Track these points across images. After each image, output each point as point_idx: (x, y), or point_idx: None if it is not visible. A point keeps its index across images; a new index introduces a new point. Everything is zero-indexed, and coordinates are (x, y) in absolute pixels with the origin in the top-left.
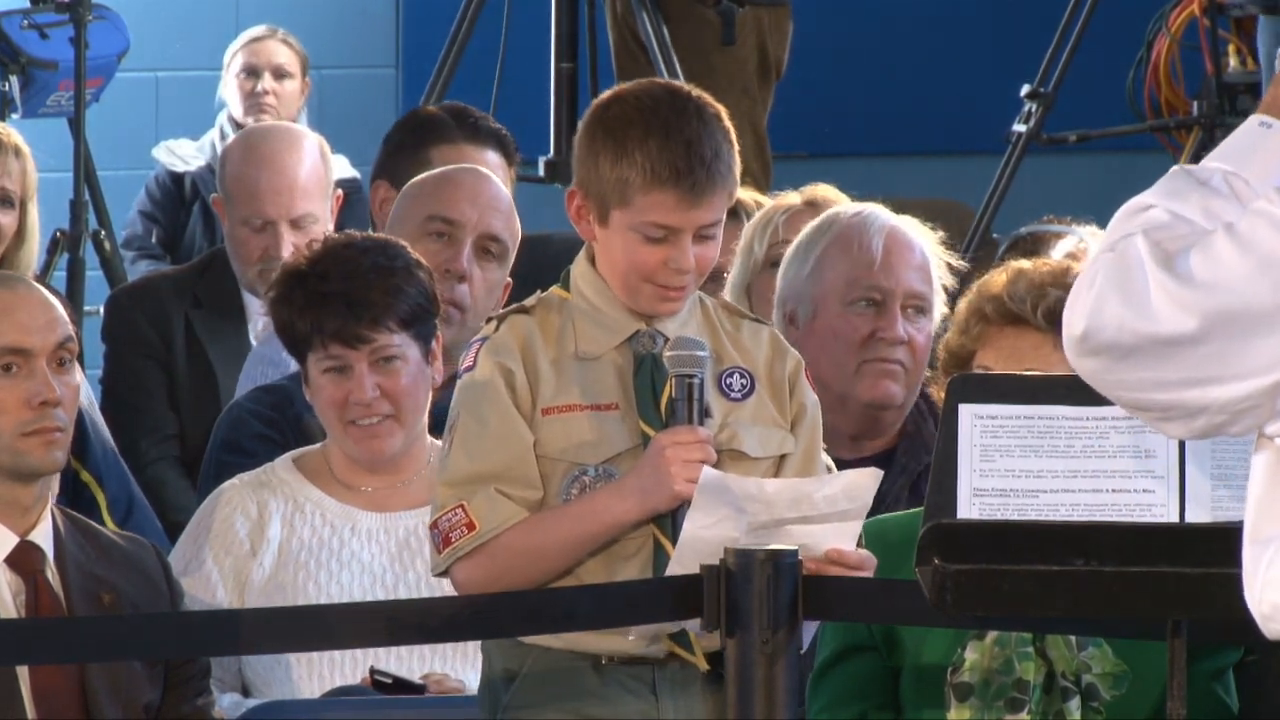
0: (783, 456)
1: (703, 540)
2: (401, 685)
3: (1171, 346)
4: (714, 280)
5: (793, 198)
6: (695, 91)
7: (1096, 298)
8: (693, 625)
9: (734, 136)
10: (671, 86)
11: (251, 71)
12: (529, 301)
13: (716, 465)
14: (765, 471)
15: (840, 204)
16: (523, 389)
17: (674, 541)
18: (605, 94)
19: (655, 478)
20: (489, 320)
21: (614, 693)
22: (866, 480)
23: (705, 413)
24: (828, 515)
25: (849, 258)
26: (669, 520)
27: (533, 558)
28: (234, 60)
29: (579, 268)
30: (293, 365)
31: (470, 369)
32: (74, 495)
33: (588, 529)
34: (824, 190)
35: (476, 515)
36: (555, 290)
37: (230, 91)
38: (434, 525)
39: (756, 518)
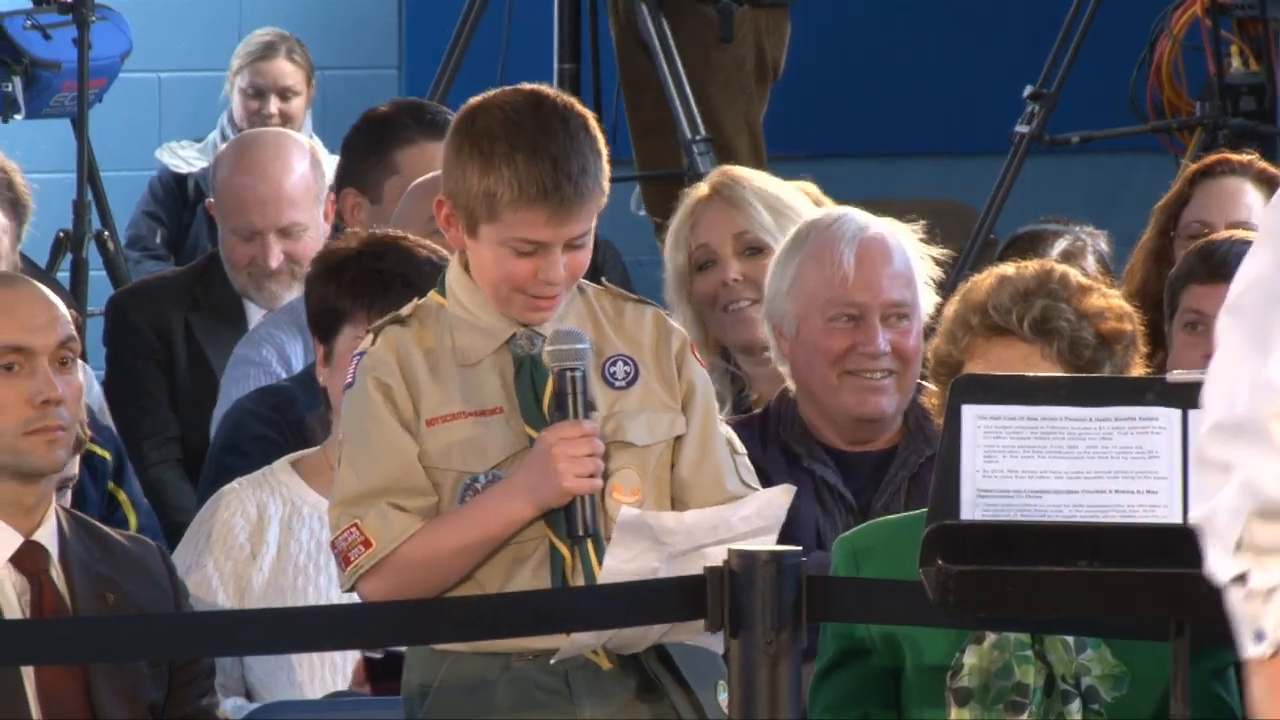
0: (677, 438)
1: (623, 574)
2: (392, 655)
3: None
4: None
5: (701, 189)
6: (562, 99)
7: None
8: (696, 627)
9: (602, 144)
10: (537, 96)
11: (257, 92)
12: (405, 311)
13: (605, 457)
14: (659, 456)
15: (810, 213)
16: (403, 401)
17: (564, 540)
18: (471, 102)
19: (543, 475)
20: (367, 332)
21: (528, 702)
22: (780, 497)
23: (590, 405)
24: (743, 535)
25: (822, 274)
26: (560, 517)
27: (432, 567)
28: (239, 75)
29: (453, 273)
30: (274, 364)
31: (350, 385)
32: (107, 515)
33: (482, 533)
34: (738, 172)
35: (371, 532)
36: (433, 296)
37: (235, 105)
38: (333, 545)
39: (677, 547)
